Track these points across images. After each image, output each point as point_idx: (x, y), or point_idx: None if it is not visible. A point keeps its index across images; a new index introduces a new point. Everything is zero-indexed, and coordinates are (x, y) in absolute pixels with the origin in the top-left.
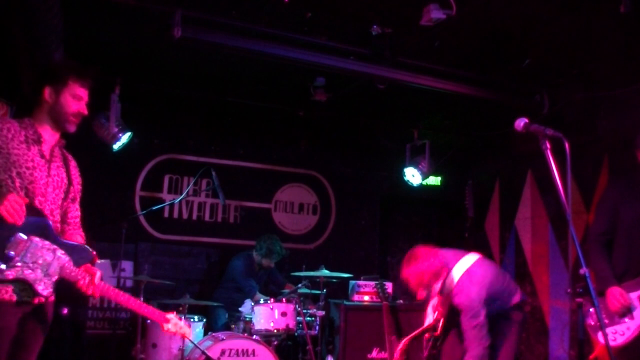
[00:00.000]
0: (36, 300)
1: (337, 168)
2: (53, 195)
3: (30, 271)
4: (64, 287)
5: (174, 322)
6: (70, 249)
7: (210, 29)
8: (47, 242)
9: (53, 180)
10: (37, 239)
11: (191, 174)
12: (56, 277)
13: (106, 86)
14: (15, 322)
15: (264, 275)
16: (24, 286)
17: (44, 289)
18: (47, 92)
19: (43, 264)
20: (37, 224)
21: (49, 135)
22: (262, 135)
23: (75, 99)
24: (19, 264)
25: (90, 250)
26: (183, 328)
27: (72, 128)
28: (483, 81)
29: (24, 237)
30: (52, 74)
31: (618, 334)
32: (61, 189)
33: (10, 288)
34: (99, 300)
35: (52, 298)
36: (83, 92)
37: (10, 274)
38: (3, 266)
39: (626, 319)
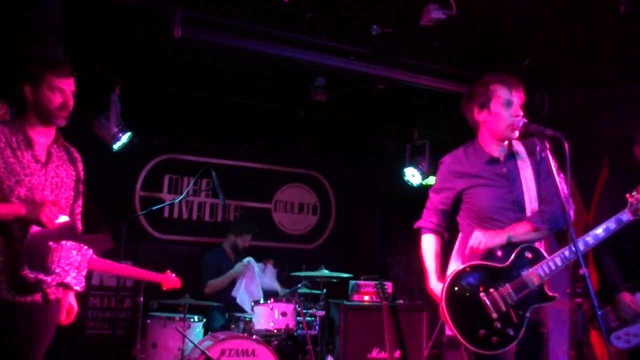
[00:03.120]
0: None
1: (337, 168)
2: (52, 197)
3: (67, 274)
4: None
5: (168, 278)
6: (91, 242)
7: (210, 29)
8: (74, 243)
9: (52, 182)
10: (66, 242)
11: (191, 174)
12: (85, 271)
13: (106, 86)
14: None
15: (231, 265)
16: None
17: (77, 284)
18: (27, 91)
19: (74, 263)
20: (64, 227)
21: (42, 136)
22: (262, 135)
23: (57, 92)
24: (58, 270)
25: (108, 237)
26: (175, 281)
27: (61, 122)
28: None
29: (55, 244)
30: (28, 71)
31: (632, 336)
32: (64, 188)
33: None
34: (98, 300)
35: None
36: (64, 83)
37: (53, 282)
38: (48, 278)
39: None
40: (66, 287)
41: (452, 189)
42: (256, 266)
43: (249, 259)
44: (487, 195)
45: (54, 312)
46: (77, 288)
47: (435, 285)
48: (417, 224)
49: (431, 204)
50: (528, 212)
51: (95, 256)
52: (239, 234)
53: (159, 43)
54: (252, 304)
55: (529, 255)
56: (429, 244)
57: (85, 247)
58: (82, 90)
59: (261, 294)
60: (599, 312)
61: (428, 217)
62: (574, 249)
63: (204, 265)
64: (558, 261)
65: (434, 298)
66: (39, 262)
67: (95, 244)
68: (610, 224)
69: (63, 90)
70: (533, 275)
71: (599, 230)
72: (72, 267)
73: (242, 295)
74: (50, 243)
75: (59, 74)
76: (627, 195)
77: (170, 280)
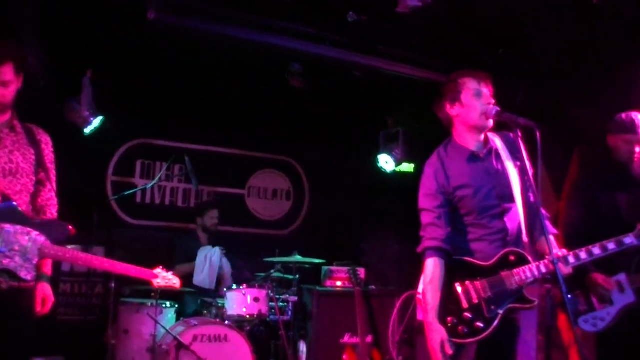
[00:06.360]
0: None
1: (311, 154)
2: (6, 182)
3: (9, 260)
4: None
5: (162, 275)
6: (44, 228)
7: (185, 13)
8: (18, 227)
9: (4, 169)
10: (7, 225)
11: (164, 159)
12: (36, 259)
13: (78, 70)
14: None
15: (214, 243)
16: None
17: (27, 274)
18: None
19: (20, 250)
20: (3, 210)
21: None
22: (236, 121)
23: None
24: None
25: (66, 224)
26: (172, 280)
27: None
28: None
29: None
30: None
31: (599, 320)
32: (20, 174)
33: None
34: (69, 286)
35: (33, 283)
36: None
37: None
38: None
39: (606, 305)
40: (11, 274)
41: (447, 186)
42: (217, 253)
43: (216, 248)
44: (474, 193)
45: (10, 301)
46: (26, 277)
47: (437, 326)
48: (421, 247)
49: (431, 214)
50: (518, 202)
51: (50, 243)
52: (203, 214)
53: (133, 26)
54: (225, 289)
55: (512, 258)
56: (433, 272)
57: (36, 233)
58: (53, 74)
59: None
60: (569, 297)
61: (431, 234)
62: (556, 261)
63: (175, 250)
64: (542, 268)
65: (430, 338)
66: None
67: (51, 230)
68: (610, 245)
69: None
70: (512, 276)
71: (596, 248)
72: (18, 253)
73: (204, 278)
74: None
75: None
76: (638, 223)
77: (163, 277)
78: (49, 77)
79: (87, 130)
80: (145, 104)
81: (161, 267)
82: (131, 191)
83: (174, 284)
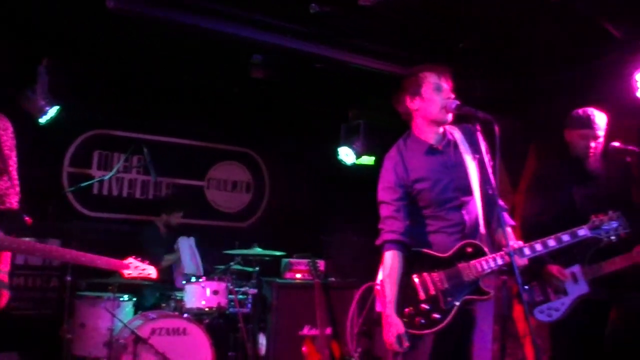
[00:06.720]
0: None
1: (271, 146)
2: None
3: None
4: None
5: (134, 265)
6: None
7: (145, 2)
8: None
9: None
10: None
11: (122, 150)
12: None
13: (34, 58)
14: None
15: (171, 241)
16: None
17: None
18: None
19: None
20: None
21: None
22: (196, 112)
23: None
24: None
25: (22, 214)
26: (147, 270)
27: None
28: (419, 62)
29: None
30: None
31: (553, 310)
32: None
33: None
34: (23, 280)
35: None
36: None
37: None
38: None
39: (561, 295)
40: None
41: (406, 179)
42: (194, 241)
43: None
44: (432, 186)
45: None
46: None
47: (394, 319)
48: (380, 240)
49: (390, 206)
50: (476, 194)
51: (2, 235)
52: (171, 213)
53: (91, 14)
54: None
55: (469, 249)
56: (392, 265)
57: None
58: (8, 61)
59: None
60: (526, 287)
61: (390, 227)
62: (512, 253)
63: (149, 243)
64: (499, 260)
65: (387, 331)
66: None
67: (4, 221)
68: (564, 236)
69: None
70: (469, 268)
71: (551, 240)
72: None
73: (190, 266)
74: None
75: None
76: (592, 215)
77: (135, 268)
78: (4, 65)
79: (43, 120)
80: (103, 94)
81: (134, 256)
82: (88, 182)
83: (149, 274)
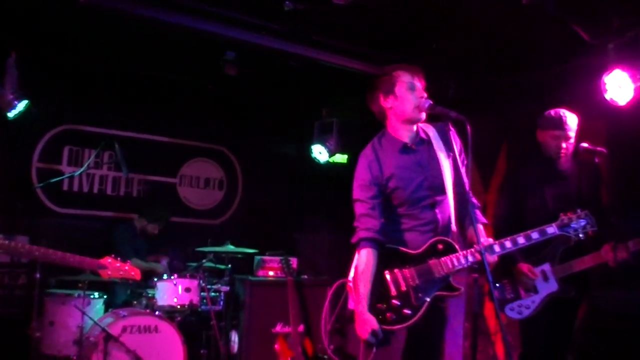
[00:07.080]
0: None
1: (244, 143)
2: None
3: None
4: None
5: (114, 265)
6: None
7: None
8: None
9: None
10: None
11: (93, 146)
12: None
13: (2, 51)
14: None
15: (144, 244)
16: None
17: None
18: None
19: None
20: None
21: None
22: (169, 108)
23: None
24: None
25: None
26: (130, 272)
27: None
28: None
29: None
30: None
31: (524, 307)
32: None
33: None
34: None
35: None
36: None
37: None
38: None
39: (531, 293)
40: None
41: (380, 177)
42: None
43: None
44: (406, 184)
45: None
46: None
47: (367, 316)
48: (355, 238)
49: (365, 204)
50: (449, 193)
51: None
52: (152, 222)
53: (61, 7)
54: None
55: (440, 246)
56: (366, 262)
57: None
58: None
59: None
60: (497, 285)
61: (365, 224)
62: (483, 250)
63: (121, 240)
64: (470, 257)
65: (361, 328)
66: None
67: None
68: (534, 234)
69: None
70: (440, 264)
71: (520, 237)
72: None
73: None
74: None
75: None
76: (561, 213)
77: (114, 268)
78: None
79: (11, 114)
80: (73, 89)
81: (112, 256)
82: (58, 178)
83: (133, 275)
